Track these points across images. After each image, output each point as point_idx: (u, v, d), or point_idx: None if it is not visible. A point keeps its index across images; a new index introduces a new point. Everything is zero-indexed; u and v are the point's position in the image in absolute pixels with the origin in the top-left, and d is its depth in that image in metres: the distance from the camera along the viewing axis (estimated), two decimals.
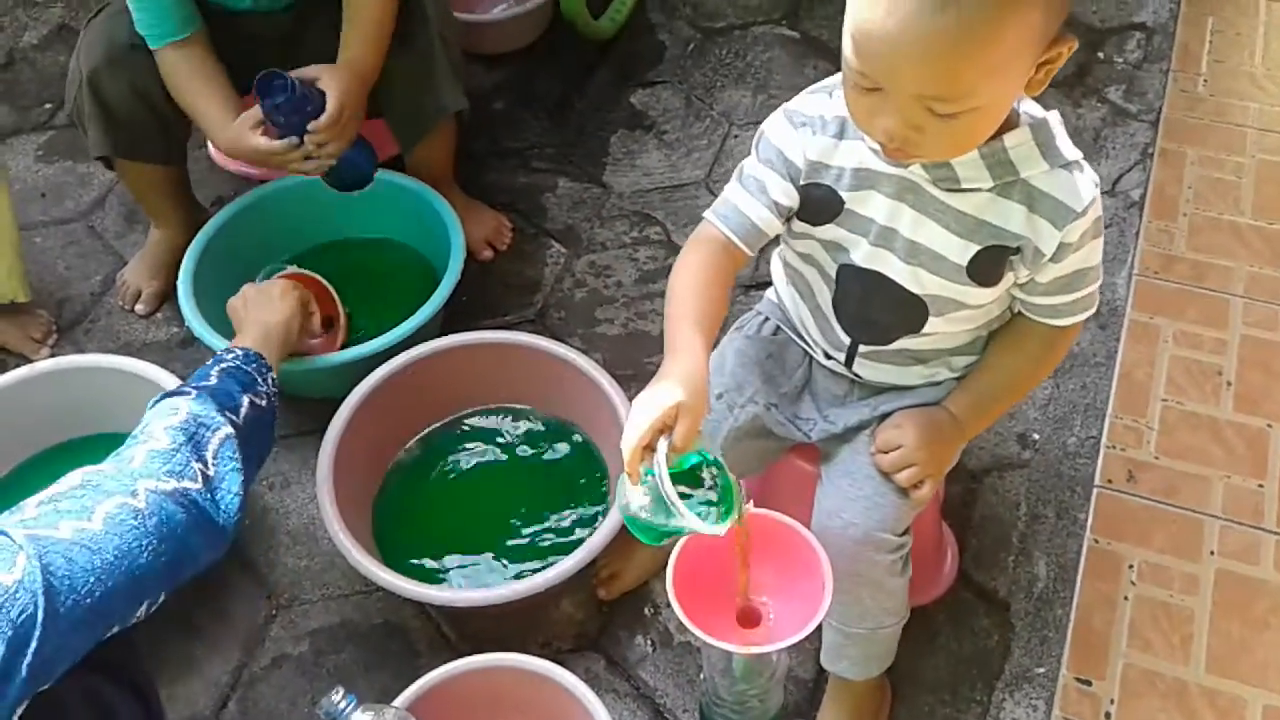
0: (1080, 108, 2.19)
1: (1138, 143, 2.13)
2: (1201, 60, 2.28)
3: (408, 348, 1.67)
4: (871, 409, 1.27)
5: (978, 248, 1.09)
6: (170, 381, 1.61)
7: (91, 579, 0.89)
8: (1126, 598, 1.53)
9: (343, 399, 1.61)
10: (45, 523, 0.91)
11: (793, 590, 1.17)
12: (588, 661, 1.50)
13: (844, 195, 1.13)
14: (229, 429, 1.18)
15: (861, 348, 1.25)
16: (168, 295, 1.90)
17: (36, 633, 0.82)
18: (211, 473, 1.12)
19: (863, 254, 1.15)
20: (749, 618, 1.20)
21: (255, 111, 1.63)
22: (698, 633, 1.09)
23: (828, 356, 1.30)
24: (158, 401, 1.22)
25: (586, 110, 2.24)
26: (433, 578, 1.56)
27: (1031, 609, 1.54)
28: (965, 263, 1.10)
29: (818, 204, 1.14)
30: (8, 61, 2.38)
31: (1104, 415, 1.73)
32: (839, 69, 1.01)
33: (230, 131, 1.64)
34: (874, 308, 1.19)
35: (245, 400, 1.26)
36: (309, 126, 1.62)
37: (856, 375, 1.28)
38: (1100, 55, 2.29)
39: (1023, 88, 0.97)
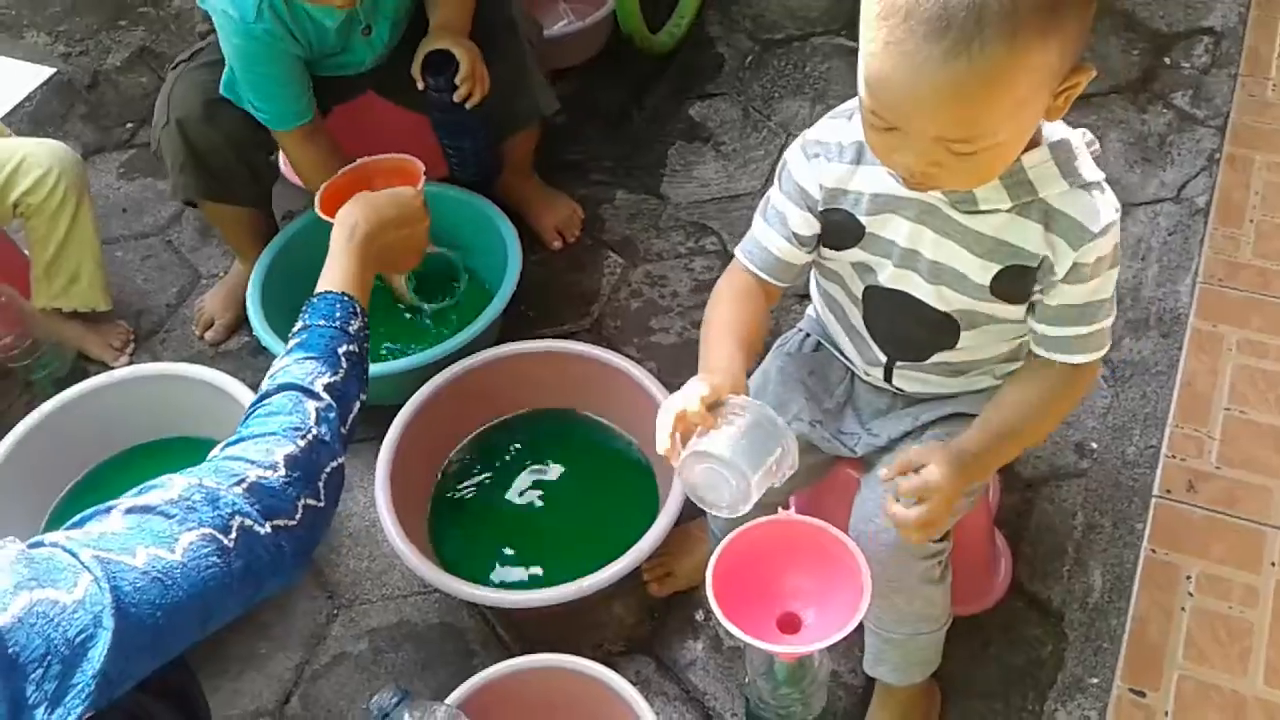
0: (1145, 113, 2.16)
1: (1204, 149, 2.09)
2: (1271, 65, 2.23)
3: (464, 356, 1.71)
4: (914, 419, 1.27)
5: (998, 267, 1.09)
6: (241, 391, 1.67)
7: (159, 613, 0.85)
8: (1184, 609, 1.50)
9: (400, 406, 1.65)
10: (122, 545, 0.87)
11: (832, 596, 1.18)
12: (638, 664, 1.52)
13: (863, 220, 1.14)
14: (342, 457, 1.11)
15: (898, 363, 1.26)
16: (239, 326, 1.98)
17: (99, 653, 0.80)
18: (320, 505, 1.05)
19: (888, 275, 1.16)
20: (789, 624, 1.21)
21: None
22: (734, 630, 1.11)
23: (866, 372, 1.31)
24: (286, 387, 1.13)
25: (645, 123, 2.27)
26: (487, 579, 1.59)
27: (1086, 619, 1.52)
28: (987, 282, 1.10)
29: (838, 229, 1.16)
30: (92, 83, 2.49)
31: (1164, 424, 1.70)
32: None
33: None
34: (905, 325, 1.20)
35: (358, 402, 1.19)
36: (456, 80, 1.71)
37: (897, 388, 1.29)
38: (1167, 60, 2.26)
39: (1042, 116, 0.97)
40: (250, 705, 1.53)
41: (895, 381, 1.28)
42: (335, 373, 1.16)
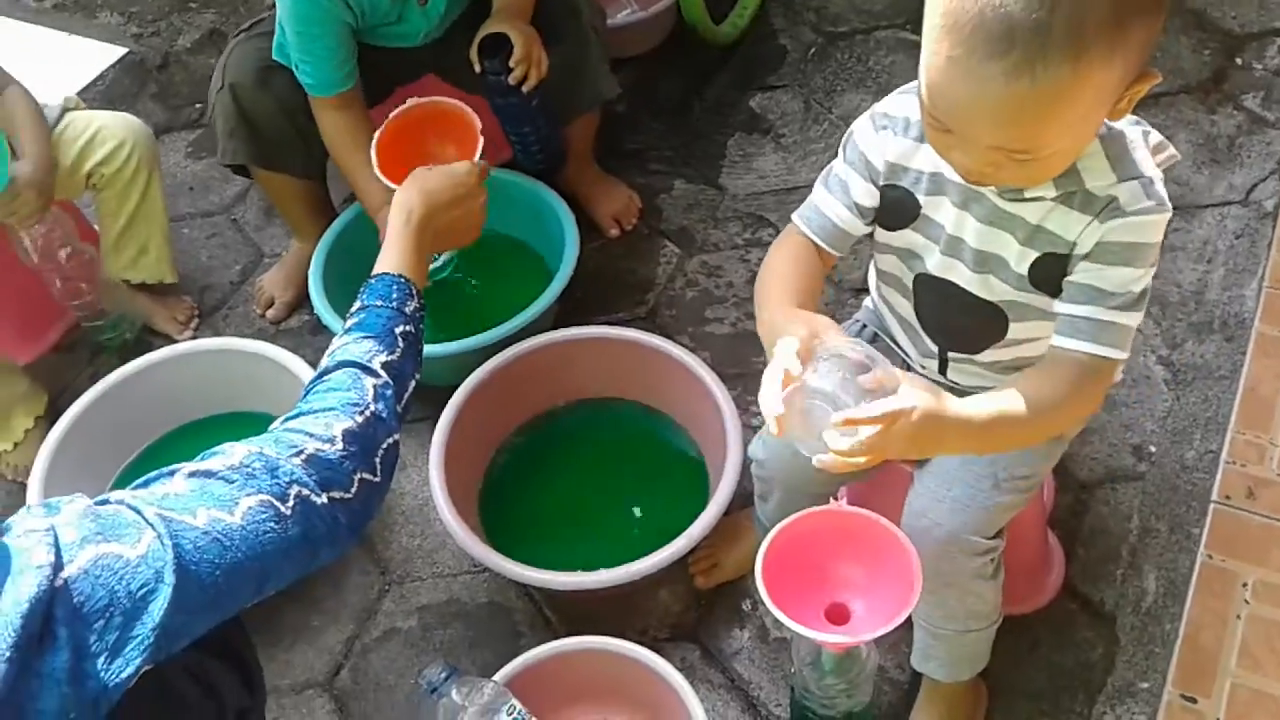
0: (1215, 115, 2.12)
1: (1274, 151, 2.05)
2: None
3: (520, 340, 1.72)
4: None
5: (1035, 254, 1.08)
6: (300, 367, 1.70)
7: (218, 573, 0.87)
8: (1239, 616, 1.48)
9: (455, 387, 1.67)
10: (184, 506, 0.89)
11: (882, 589, 1.18)
12: (683, 651, 1.53)
13: (921, 199, 1.13)
14: (398, 434, 1.13)
15: (951, 355, 1.25)
16: (299, 304, 2.00)
17: (159, 607, 0.82)
18: (375, 480, 1.06)
19: (935, 262, 1.15)
20: (837, 615, 1.21)
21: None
22: (782, 617, 1.11)
23: (922, 365, 1.30)
24: (345, 364, 1.14)
25: (705, 113, 2.27)
26: (536, 561, 1.61)
27: (1138, 623, 1.50)
28: (1026, 271, 1.09)
29: (895, 206, 1.15)
30: (163, 63, 2.53)
31: (1225, 429, 1.68)
32: None
33: (381, 217, 1.72)
34: (954, 315, 1.19)
35: (413, 381, 1.21)
36: (511, 62, 1.72)
37: (953, 382, 1.28)
38: (1238, 61, 2.22)
39: (1105, 119, 0.96)
40: (301, 676, 1.55)
41: (950, 375, 1.27)
42: (392, 351, 1.18)
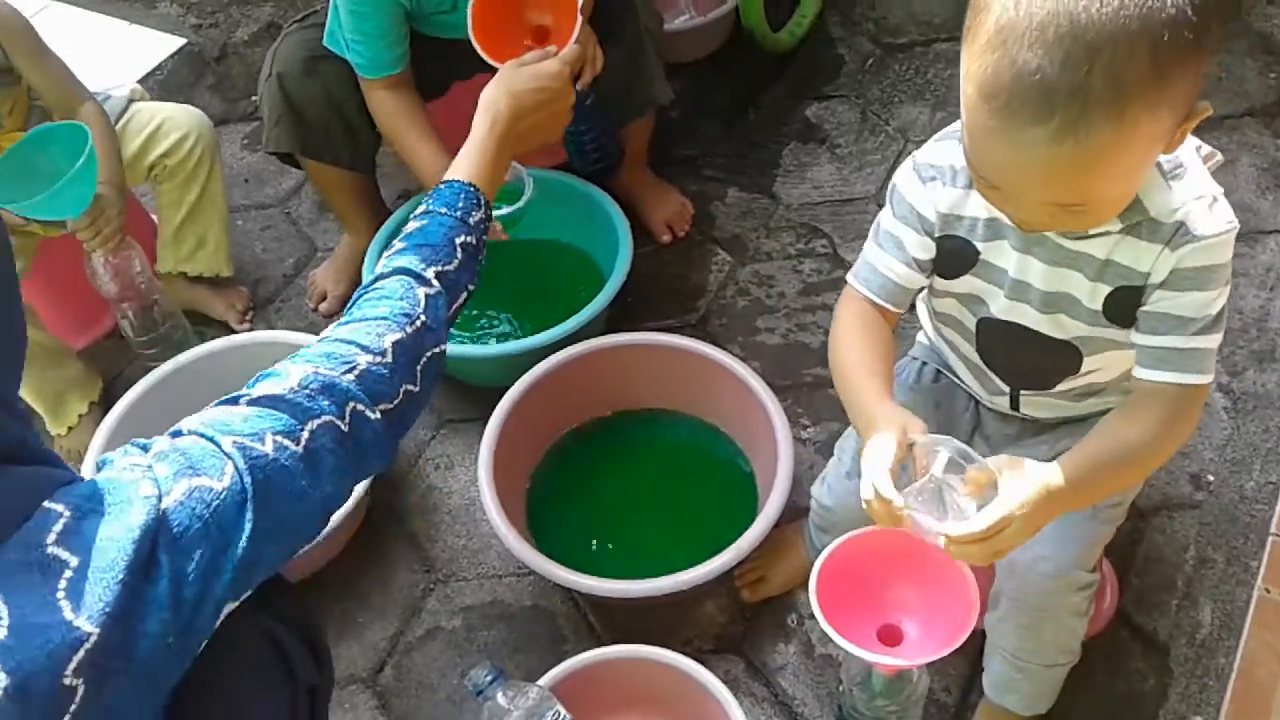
0: None
1: None
2: None
3: (571, 344, 1.72)
4: (1049, 446, 1.24)
5: (1108, 289, 1.05)
6: None
7: (287, 498, 0.89)
8: None
9: (506, 388, 1.67)
10: (253, 431, 0.90)
11: (936, 611, 1.16)
12: (727, 664, 1.52)
13: (979, 245, 1.11)
14: (445, 344, 1.13)
15: (1023, 391, 1.23)
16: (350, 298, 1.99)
17: (241, 540, 0.84)
18: (415, 389, 1.06)
19: (1000, 306, 1.13)
20: (890, 636, 1.19)
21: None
22: (834, 635, 1.09)
23: (991, 401, 1.28)
24: (399, 271, 1.13)
25: (761, 121, 2.26)
26: (581, 566, 1.60)
27: (1192, 655, 1.48)
28: (1099, 307, 1.07)
29: (953, 255, 1.13)
30: (220, 55, 2.55)
31: None
32: None
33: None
34: (1024, 356, 1.16)
35: (465, 292, 1.20)
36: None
37: (1025, 415, 1.26)
38: None
39: (1156, 157, 0.95)
40: (345, 671, 1.55)
41: (1023, 409, 1.24)
42: (449, 262, 1.17)
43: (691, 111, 2.27)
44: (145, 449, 0.88)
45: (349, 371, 1.00)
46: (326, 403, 0.96)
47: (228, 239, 1.94)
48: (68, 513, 0.78)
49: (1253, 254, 1.91)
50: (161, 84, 2.48)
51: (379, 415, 1.00)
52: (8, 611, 0.73)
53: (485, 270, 1.78)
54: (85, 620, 0.74)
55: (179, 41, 2.58)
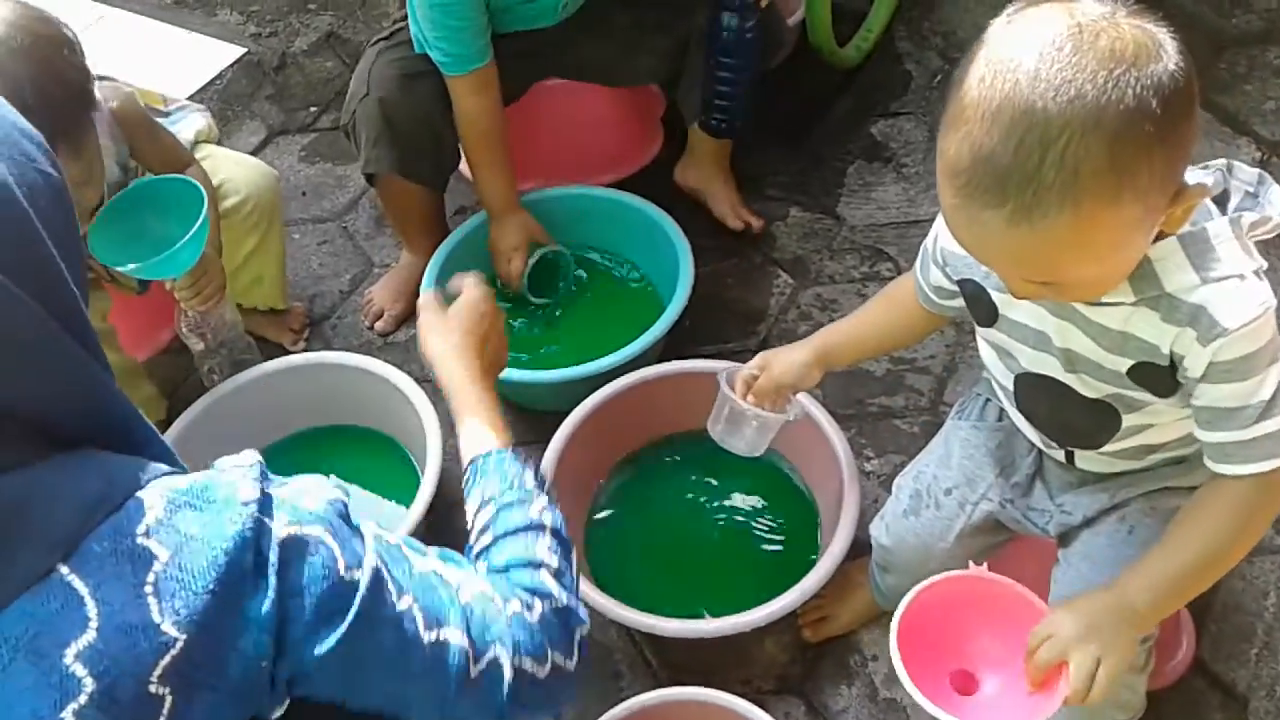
0: None
1: None
2: None
3: (630, 370, 1.69)
4: (1110, 495, 1.19)
5: (1130, 362, 1.01)
6: (406, 384, 1.69)
7: (381, 649, 0.80)
8: None
9: (563, 414, 1.64)
10: (402, 581, 0.83)
11: (1016, 665, 1.11)
12: (787, 705, 1.48)
13: (995, 298, 1.08)
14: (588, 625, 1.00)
15: (1075, 450, 1.18)
16: (408, 317, 1.98)
17: (326, 640, 0.78)
18: (571, 667, 0.94)
19: (1029, 359, 1.09)
20: (964, 682, 1.15)
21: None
22: (919, 697, 1.05)
23: (1048, 451, 1.23)
24: (525, 529, 1.04)
25: (825, 138, 2.21)
26: (639, 599, 1.57)
27: (1273, 709, 1.42)
28: (1124, 370, 1.02)
29: (973, 302, 1.11)
30: (280, 65, 2.55)
31: None
32: None
33: (496, 223, 1.84)
34: (1061, 412, 1.12)
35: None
36: None
37: (1084, 470, 1.21)
38: None
39: (1150, 240, 0.91)
40: None
41: (1079, 464, 1.20)
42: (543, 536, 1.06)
43: (754, 128, 2.22)
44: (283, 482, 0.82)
45: (521, 611, 0.91)
46: (477, 629, 0.87)
47: (284, 277, 1.93)
48: (160, 503, 0.74)
49: None
50: (221, 93, 2.48)
51: (531, 668, 0.90)
52: (97, 611, 0.69)
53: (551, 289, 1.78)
54: (171, 625, 0.70)
55: (238, 50, 2.58)
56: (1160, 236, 0.93)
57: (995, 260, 0.93)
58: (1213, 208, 0.97)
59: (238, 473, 0.79)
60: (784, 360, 1.34)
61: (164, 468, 0.78)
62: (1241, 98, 2.13)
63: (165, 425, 1.74)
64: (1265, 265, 0.96)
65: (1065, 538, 1.22)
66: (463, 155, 1.91)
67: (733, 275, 2.01)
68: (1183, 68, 0.84)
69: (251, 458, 0.81)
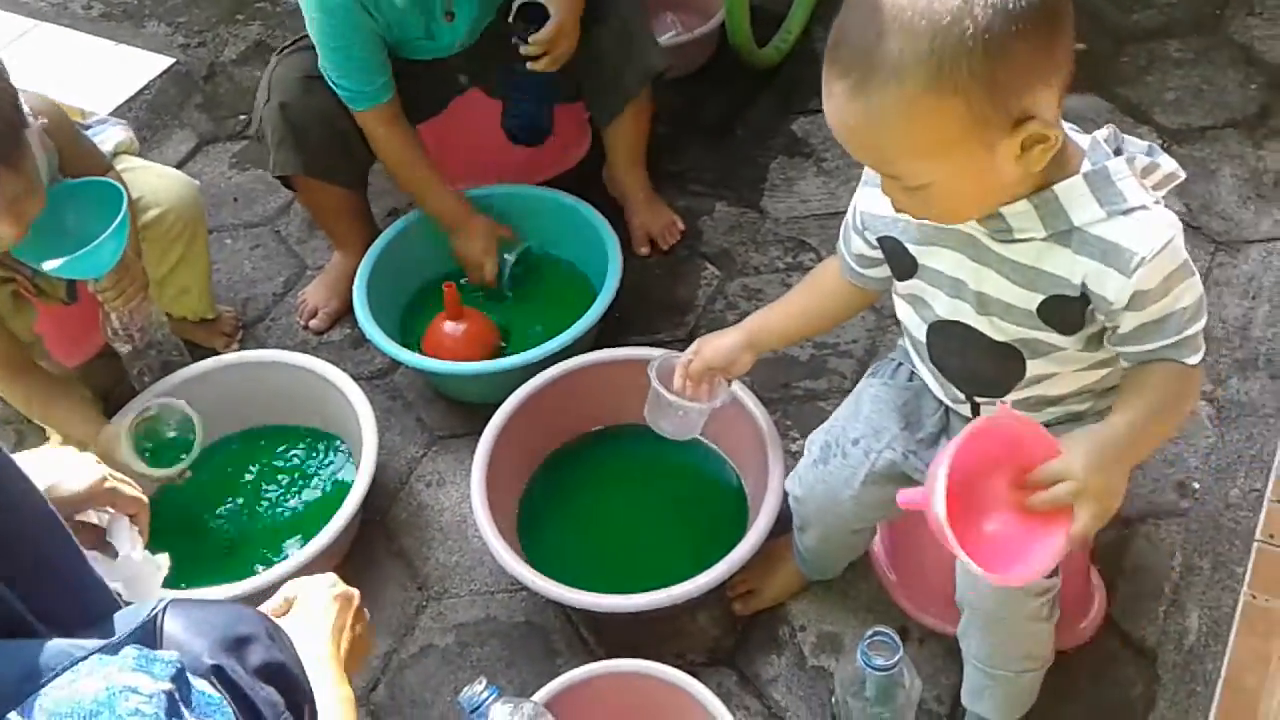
0: (1262, 150, 2.11)
1: None
2: None
3: (561, 359, 1.73)
4: None
5: (1041, 296, 1.08)
6: (343, 380, 1.72)
7: None
8: None
9: (495, 405, 1.68)
10: None
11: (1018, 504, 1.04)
12: (720, 676, 1.53)
13: (912, 250, 1.15)
14: None
15: (978, 400, 1.25)
16: (342, 315, 2.01)
17: None
18: None
19: (943, 307, 1.16)
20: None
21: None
22: (973, 565, 0.98)
23: (954, 407, 1.30)
24: None
25: (748, 136, 2.28)
26: (573, 581, 1.61)
27: (1180, 661, 1.49)
28: (1034, 309, 1.09)
29: (893, 257, 1.19)
30: (208, 74, 2.56)
31: (1270, 468, 1.66)
32: None
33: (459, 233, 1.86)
34: (971, 359, 1.19)
35: None
36: (529, 39, 1.75)
37: None
38: None
39: (1002, 165, 0.97)
40: None
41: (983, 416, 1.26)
42: None
43: (679, 127, 2.28)
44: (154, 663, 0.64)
45: None
46: None
47: (210, 286, 1.94)
48: None
49: (1234, 263, 1.93)
50: (150, 104, 2.49)
51: None
52: None
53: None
54: None
55: (167, 61, 2.59)
56: (1063, 174, 1.01)
57: (843, 139, 1.00)
58: (1107, 149, 1.04)
59: (140, 704, 0.60)
60: (715, 345, 1.42)
61: (68, 653, 0.62)
62: (1143, 89, 2.23)
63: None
64: (1160, 201, 1.04)
65: None
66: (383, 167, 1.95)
67: (661, 268, 2.06)
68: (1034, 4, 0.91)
69: (159, 684, 0.62)
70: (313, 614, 1.00)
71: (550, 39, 1.74)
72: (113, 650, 0.64)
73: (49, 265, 1.54)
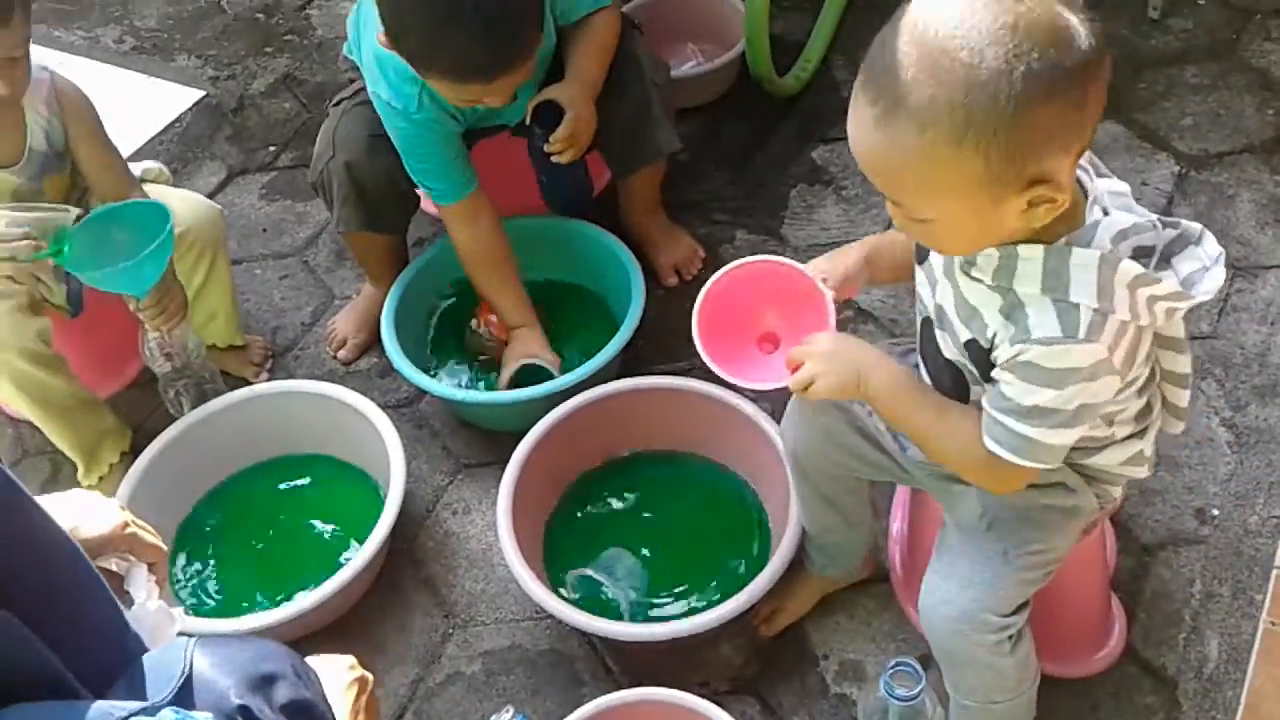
0: (1279, 175, 2.12)
1: None
2: None
3: (585, 389, 1.76)
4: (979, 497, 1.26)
5: (968, 335, 1.11)
6: (371, 410, 1.75)
7: None
8: None
9: (520, 434, 1.70)
10: None
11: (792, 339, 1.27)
12: (743, 705, 1.54)
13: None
14: None
15: None
16: (370, 346, 2.05)
17: None
18: None
19: (929, 305, 1.19)
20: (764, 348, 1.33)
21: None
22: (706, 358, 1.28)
23: None
24: None
25: (768, 164, 2.30)
26: (599, 610, 1.63)
27: (1200, 689, 1.50)
28: (963, 342, 1.12)
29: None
30: (238, 106, 2.61)
31: None
32: None
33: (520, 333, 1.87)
34: (938, 364, 1.21)
35: None
36: (550, 139, 1.76)
37: None
38: None
39: (1005, 217, 0.99)
40: None
41: None
42: None
43: (699, 155, 2.31)
44: None
45: None
46: None
47: (237, 312, 1.98)
48: None
49: (1252, 289, 1.94)
50: (180, 136, 2.54)
51: None
52: None
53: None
54: None
55: (197, 94, 2.64)
56: (1038, 240, 1.02)
57: (860, 159, 1.02)
58: (1104, 238, 1.02)
59: None
60: (840, 264, 1.35)
61: (110, 713, 0.68)
62: (1160, 114, 2.24)
63: (131, 458, 1.80)
64: (1121, 315, 1.02)
65: (958, 524, 1.29)
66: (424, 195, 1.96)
67: (682, 296, 2.07)
68: (1068, 66, 0.92)
69: None
70: (331, 693, 1.01)
71: (570, 135, 1.76)
72: (152, 712, 0.68)
73: (93, 277, 1.61)
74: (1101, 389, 1.06)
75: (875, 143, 0.97)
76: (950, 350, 1.16)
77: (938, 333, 1.17)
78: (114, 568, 1.07)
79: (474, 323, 1.96)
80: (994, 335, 1.07)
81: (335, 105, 1.91)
